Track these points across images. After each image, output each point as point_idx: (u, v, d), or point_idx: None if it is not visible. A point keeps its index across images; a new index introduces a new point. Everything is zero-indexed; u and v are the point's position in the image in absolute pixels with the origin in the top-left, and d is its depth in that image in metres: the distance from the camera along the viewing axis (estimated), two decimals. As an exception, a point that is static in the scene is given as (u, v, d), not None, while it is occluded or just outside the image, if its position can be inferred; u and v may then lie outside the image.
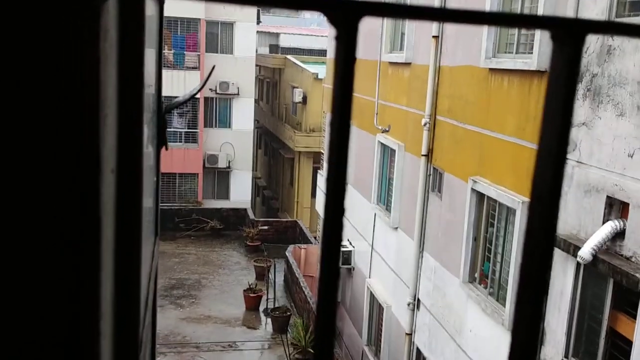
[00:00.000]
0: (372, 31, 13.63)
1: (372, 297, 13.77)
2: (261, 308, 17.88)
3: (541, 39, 7.53)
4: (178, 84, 23.99)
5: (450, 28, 10.20)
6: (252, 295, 17.84)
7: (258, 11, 27.39)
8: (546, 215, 0.46)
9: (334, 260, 0.50)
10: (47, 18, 0.53)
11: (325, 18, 0.42)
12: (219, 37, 26.65)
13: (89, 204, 0.58)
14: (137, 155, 0.77)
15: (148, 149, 1.31)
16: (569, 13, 7.03)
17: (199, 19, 25.61)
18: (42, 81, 0.55)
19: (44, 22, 0.53)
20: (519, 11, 8.46)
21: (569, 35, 0.37)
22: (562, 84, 0.36)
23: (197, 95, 24.09)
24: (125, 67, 0.69)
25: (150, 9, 1.22)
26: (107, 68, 0.60)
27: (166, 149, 1.69)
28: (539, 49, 7.57)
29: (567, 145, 0.40)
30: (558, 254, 7.04)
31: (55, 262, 0.60)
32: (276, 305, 17.42)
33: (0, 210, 0.57)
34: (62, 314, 0.62)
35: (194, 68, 25.65)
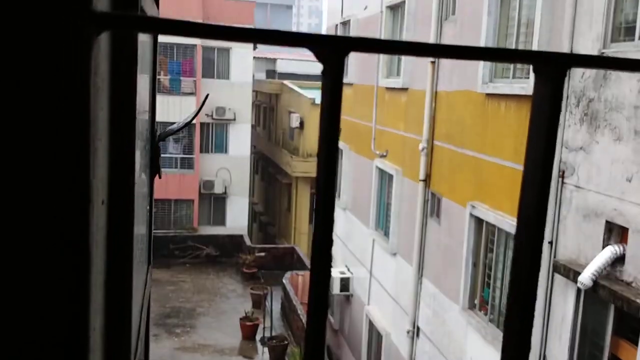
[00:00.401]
0: (368, 57, 13.74)
1: (371, 325, 13.64)
2: (258, 337, 17.63)
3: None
4: (174, 109, 24.04)
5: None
6: (248, 323, 17.58)
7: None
8: (533, 235, 0.46)
9: (324, 289, 0.49)
10: (37, 52, 0.54)
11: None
12: (215, 63, 26.78)
13: (77, 236, 0.58)
14: (129, 186, 0.77)
15: (141, 177, 1.31)
16: (564, 41, 7.10)
17: (195, 45, 25.78)
18: (32, 114, 0.55)
19: (35, 56, 0.54)
20: (514, 39, 8.54)
21: (551, 69, 0.37)
22: (545, 117, 0.37)
23: (193, 121, 24.14)
24: (118, 100, 0.69)
25: (143, 35, 1.23)
26: (98, 100, 0.61)
27: (159, 177, 1.68)
28: (535, 75, 7.63)
29: (551, 176, 0.40)
30: (558, 279, 7.00)
31: (44, 292, 0.60)
32: (273, 334, 17.16)
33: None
34: (52, 347, 0.61)
35: (190, 93, 25.74)
